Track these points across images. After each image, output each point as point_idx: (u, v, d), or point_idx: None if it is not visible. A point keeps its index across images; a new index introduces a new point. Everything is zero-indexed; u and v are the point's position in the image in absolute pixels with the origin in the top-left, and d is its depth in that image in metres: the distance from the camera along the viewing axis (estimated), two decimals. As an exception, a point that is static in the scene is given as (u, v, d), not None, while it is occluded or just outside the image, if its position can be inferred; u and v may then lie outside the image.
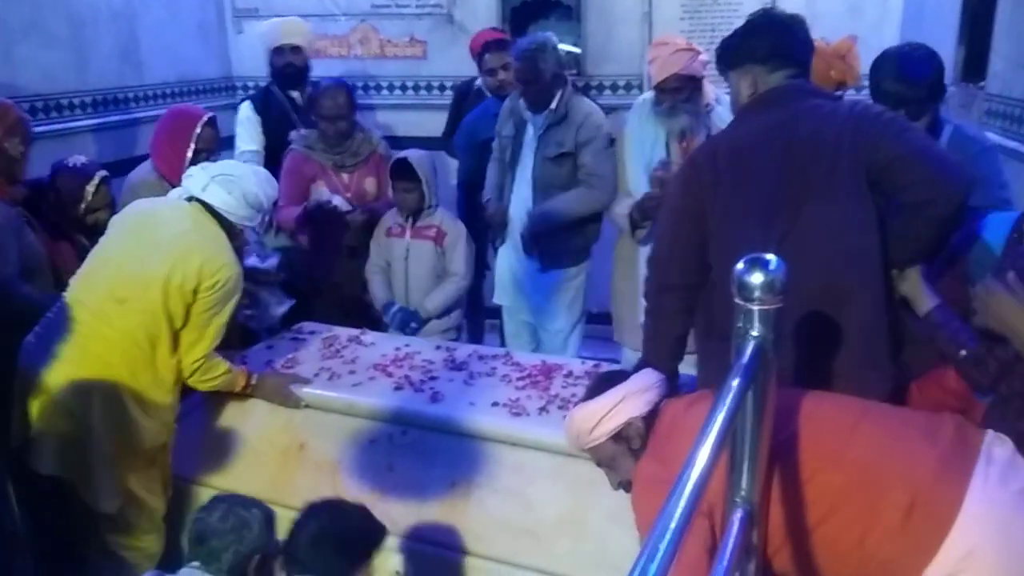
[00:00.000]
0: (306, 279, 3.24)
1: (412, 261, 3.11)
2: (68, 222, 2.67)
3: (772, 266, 1.18)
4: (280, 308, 2.89)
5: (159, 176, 2.84)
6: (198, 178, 2.31)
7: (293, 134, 3.38)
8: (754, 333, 1.20)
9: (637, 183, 2.84)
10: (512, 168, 3.13)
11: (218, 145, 2.95)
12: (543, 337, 3.29)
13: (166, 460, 2.37)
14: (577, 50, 4.46)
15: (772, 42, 1.85)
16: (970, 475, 1.29)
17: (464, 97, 3.99)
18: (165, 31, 4.48)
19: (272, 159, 3.43)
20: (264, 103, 3.62)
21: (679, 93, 2.71)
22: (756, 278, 1.17)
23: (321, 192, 3.24)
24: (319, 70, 5.17)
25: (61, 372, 2.18)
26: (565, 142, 2.98)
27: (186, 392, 2.38)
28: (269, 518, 1.83)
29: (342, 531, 1.75)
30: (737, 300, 1.20)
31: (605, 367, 2.46)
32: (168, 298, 2.19)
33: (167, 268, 2.18)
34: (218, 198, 2.28)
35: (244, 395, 2.43)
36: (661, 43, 2.76)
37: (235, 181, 2.31)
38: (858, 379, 1.71)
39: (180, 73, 4.55)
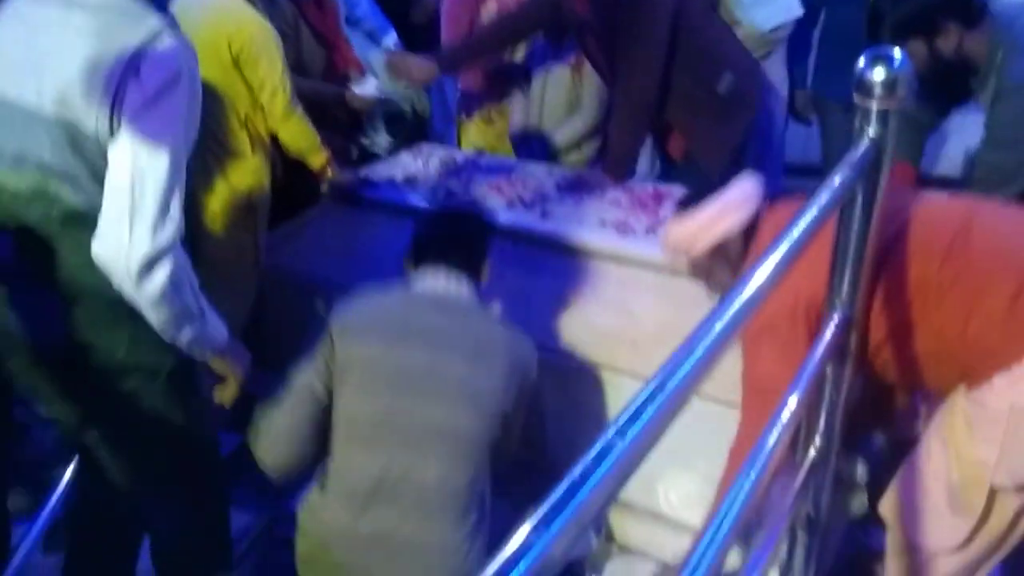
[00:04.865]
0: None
1: (549, 86, 3.01)
2: None
3: (896, 63, 1.14)
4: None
5: None
6: None
7: None
8: (870, 133, 1.17)
9: None
10: None
11: None
12: None
13: None
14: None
15: None
16: None
17: None
18: None
19: None
20: None
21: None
22: (878, 74, 1.13)
23: None
24: None
25: None
26: None
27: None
28: None
29: None
30: (855, 98, 1.17)
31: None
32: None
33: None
34: None
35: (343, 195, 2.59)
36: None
37: None
38: None
39: None
